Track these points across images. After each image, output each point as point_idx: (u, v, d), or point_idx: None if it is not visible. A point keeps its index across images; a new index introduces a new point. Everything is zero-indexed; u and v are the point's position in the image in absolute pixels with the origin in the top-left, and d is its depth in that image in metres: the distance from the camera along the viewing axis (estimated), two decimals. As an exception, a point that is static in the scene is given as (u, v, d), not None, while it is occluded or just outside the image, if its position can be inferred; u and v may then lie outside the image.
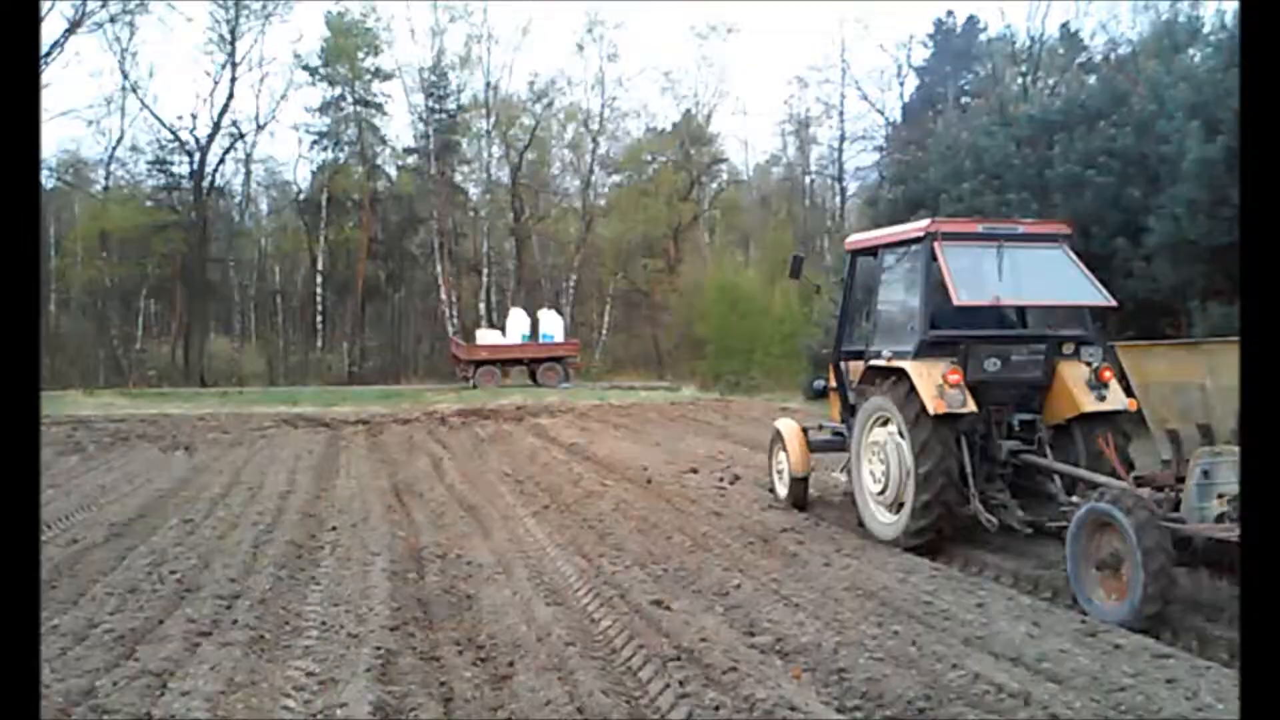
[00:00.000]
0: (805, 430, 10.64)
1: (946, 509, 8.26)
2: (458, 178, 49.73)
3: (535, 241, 49.57)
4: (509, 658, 5.78)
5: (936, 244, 8.59)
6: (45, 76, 35.69)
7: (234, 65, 43.61)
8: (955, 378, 8.25)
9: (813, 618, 6.41)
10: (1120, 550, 6.31)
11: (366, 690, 5.02)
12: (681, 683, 5.24)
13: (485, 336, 35.59)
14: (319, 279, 45.77)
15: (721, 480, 12.30)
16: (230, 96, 43.74)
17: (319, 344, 45.28)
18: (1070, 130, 16.38)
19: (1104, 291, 8.73)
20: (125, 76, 43.91)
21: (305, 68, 45.99)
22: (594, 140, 48.84)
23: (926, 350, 8.55)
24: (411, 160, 48.94)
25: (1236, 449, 6.14)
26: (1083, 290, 8.75)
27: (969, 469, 8.40)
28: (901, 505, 8.61)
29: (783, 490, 10.70)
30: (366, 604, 6.80)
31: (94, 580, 7.59)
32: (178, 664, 5.47)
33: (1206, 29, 18.03)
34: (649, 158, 51.25)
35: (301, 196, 48.30)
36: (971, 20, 47.27)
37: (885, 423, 8.90)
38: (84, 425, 20.03)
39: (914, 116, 42.12)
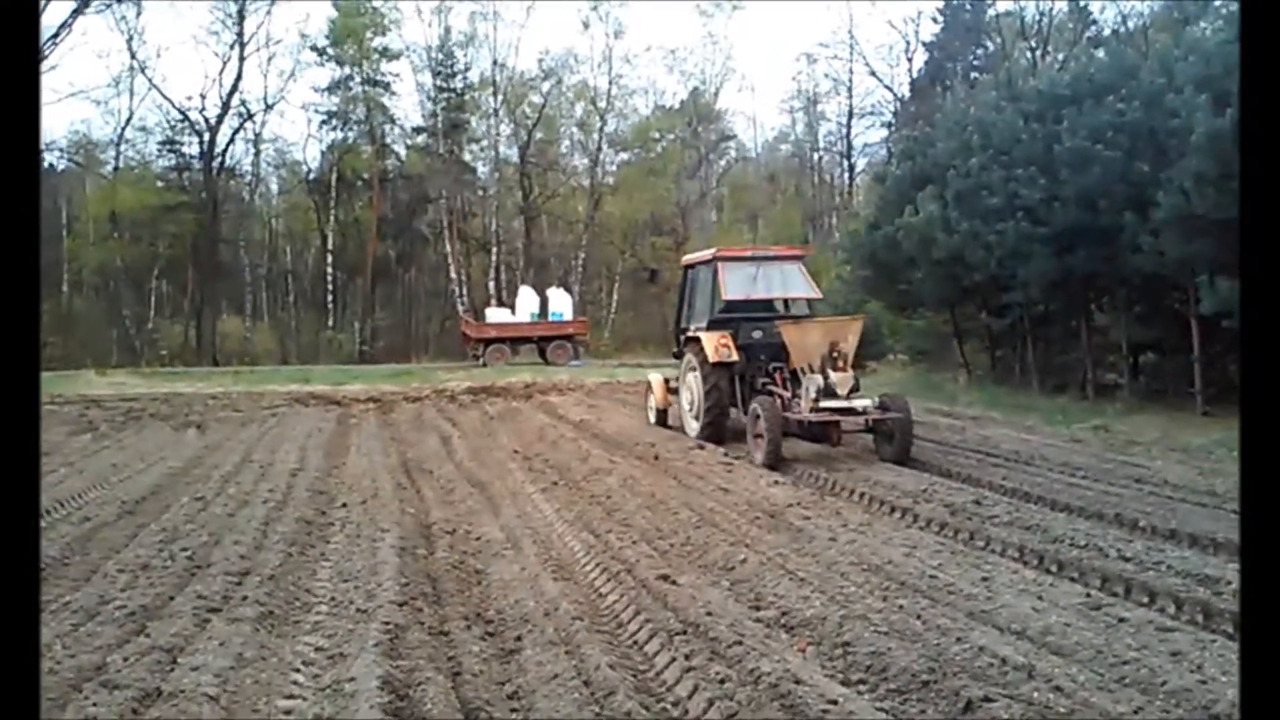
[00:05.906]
0: (667, 380, 15.44)
1: (717, 418, 13.34)
2: (466, 156, 49.53)
3: (544, 220, 49.48)
4: (516, 632, 5.84)
5: (719, 263, 13.77)
6: (53, 58, 35.57)
7: (242, 45, 43.47)
8: (725, 341, 13.15)
9: (818, 592, 6.44)
10: (761, 428, 11.58)
11: (375, 665, 5.05)
12: (687, 656, 5.30)
13: (495, 315, 35.47)
14: (329, 258, 45.74)
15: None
16: (239, 76, 43.62)
17: (330, 323, 45.28)
18: (1078, 105, 16.26)
19: (815, 289, 14.12)
20: (133, 56, 43.86)
21: (313, 48, 45.83)
22: (602, 118, 48.48)
23: (713, 325, 13.58)
24: (420, 139, 48.77)
25: (819, 375, 11.63)
26: (803, 288, 13.88)
27: (738, 395, 13.34)
28: (698, 417, 13.67)
29: (652, 417, 15.60)
30: (375, 579, 6.84)
31: (106, 557, 7.67)
32: (188, 640, 5.52)
33: (1216, 2, 17.85)
34: (657, 135, 51.01)
35: (311, 176, 48.25)
36: (981, -6, 46.83)
37: (694, 369, 13.78)
38: (96, 404, 20.12)
39: (922, 92, 41.90)
